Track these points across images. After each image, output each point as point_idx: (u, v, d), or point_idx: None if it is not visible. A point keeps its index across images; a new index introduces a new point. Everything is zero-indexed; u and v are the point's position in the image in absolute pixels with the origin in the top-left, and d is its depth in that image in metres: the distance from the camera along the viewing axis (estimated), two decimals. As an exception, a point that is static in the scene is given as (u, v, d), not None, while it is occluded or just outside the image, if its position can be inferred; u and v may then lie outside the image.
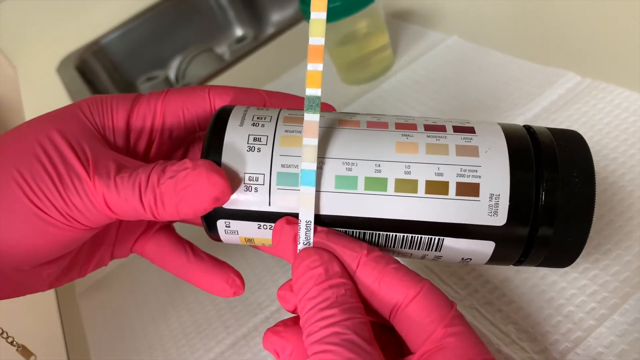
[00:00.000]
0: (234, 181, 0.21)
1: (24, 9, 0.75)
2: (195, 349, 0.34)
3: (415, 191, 0.20)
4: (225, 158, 0.21)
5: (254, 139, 0.21)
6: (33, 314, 0.44)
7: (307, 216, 0.20)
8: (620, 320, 0.25)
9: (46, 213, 0.20)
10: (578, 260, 0.28)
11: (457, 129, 0.21)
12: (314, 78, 0.20)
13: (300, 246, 0.20)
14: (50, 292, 0.44)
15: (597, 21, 0.42)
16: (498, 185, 0.20)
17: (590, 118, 0.35)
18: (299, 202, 0.20)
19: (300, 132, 0.21)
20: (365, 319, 0.19)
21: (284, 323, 0.21)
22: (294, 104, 0.25)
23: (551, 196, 0.20)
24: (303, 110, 0.21)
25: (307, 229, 0.20)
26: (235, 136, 0.21)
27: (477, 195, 0.20)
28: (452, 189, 0.20)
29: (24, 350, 0.35)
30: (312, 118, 0.20)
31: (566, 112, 0.36)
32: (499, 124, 0.22)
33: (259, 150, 0.21)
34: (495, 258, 0.21)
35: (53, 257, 0.23)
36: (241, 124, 0.21)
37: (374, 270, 0.19)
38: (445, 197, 0.20)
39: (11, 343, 0.34)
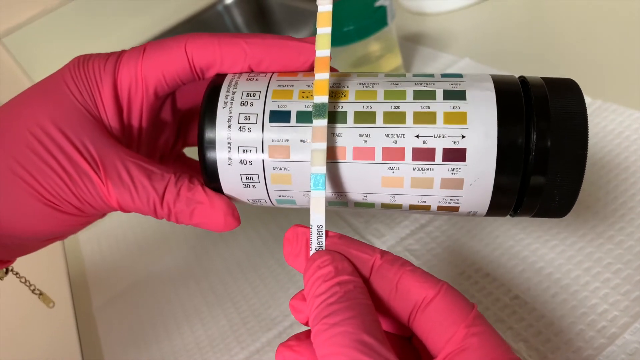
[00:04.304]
0: (239, 204, 0.24)
1: (46, 30, 0.77)
2: (209, 363, 0.35)
3: (400, 208, 0.22)
4: (227, 190, 0.23)
5: (247, 178, 0.22)
6: (50, 328, 0.45)
7: (318, 221, 0.20)
8: (632, 339, 0.25)
9: (59, 205, 0.22)
10: (588, 279, 0.28)
11: (447, 155, 0.20)
12: (321, 86, 0.21)
13: (312, 251, 0.20)
14: (68, 307, 0.45)
15: (608, 43, 0.43)
16: (477, 207, 0.21)
17: (600, 139, 0.35)
18: (310, 206, 0.21)
19: (288, 169, 0.22)
20: (375, 317, 0.18)
21: (297, 337, 0.20)
22: (274, 50, 0.23)
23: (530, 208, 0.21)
24: (286, 134, 0.21)
25: (319, 234, 0.20)
26: (229, 177, 0.22)
27: (457, 211, 0.22)
28: (434, 208, 0.22)
29: (44, 297, 0.35)
30: (320, 123, 0.21)
31: (576, 133, 0.37)
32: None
33: (254, 187, 0.23)
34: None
35: (65, 233, 0.25)
36: (230, 163, 0.22)
37: (389, 273, 0.19)
38: (427, 211, 0.22)
39: (33, 291, 0.35)
